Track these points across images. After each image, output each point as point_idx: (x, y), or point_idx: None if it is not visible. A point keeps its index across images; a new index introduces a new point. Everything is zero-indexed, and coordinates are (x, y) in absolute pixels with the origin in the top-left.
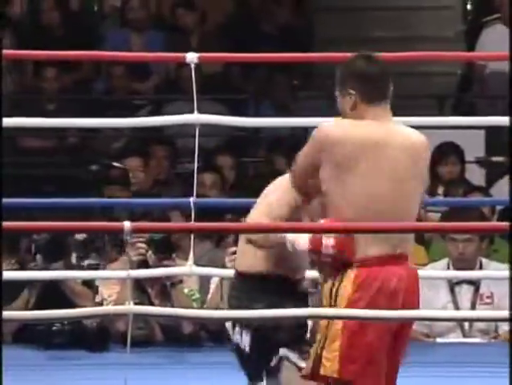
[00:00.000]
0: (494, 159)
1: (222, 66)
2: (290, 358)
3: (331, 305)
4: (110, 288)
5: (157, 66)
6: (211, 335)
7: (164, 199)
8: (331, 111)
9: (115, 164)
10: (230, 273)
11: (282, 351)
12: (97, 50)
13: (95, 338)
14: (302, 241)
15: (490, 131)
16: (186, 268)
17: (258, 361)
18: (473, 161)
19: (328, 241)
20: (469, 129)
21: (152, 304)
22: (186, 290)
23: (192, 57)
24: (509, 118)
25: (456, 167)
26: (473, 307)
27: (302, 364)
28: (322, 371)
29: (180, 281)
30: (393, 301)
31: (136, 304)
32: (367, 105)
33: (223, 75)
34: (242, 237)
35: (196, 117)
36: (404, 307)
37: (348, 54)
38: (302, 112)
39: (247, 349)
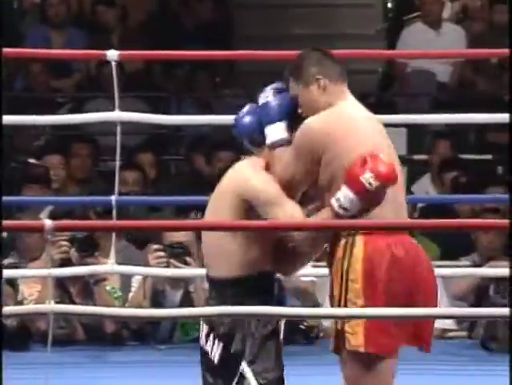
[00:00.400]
0: (416, 157)
1: (144, 64)
2: (246, 376)
3: (342, 279)
4: (31, 287)
5: (78, 64)
6: (133, 334)
7: (85, 197)
8: None
9: (33, 161)
10: (152, 271)
11: (242, 367)
12: (17, 48)
13: (16, 337)
14: (342, 195)
15: (412, 129)
16: (108, 266)
17: (223, 374)
18: None
19: (366, 175)
20: (390, 127)
21: (73, 302)
22: (108, 288)
23: (112, 54)
24: (510, 115)
25: None
26: None
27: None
28: (347, 346)
29: (103, 280)
30: (406, 270)
31: (57, 303)
32: (335, 84)
33: (145, 73)
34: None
35: (117, 115)
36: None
37: (271, 52)
38: (225, 110)
39: (216, 360)
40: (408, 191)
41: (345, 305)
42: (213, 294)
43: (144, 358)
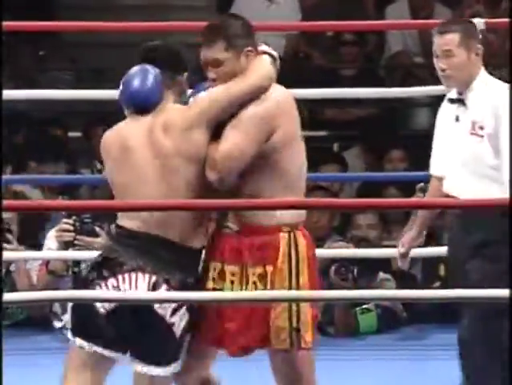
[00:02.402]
0: None
1: None
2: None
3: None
4: None
5: None
6: None
7: None
8: (79, 83)
9: None
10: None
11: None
12: None
13: None
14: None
15: None
16: None
17: (182, 344)
18: None
19: None
20: None
21: None
22: None
23: None
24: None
25: None
26: None
27: None
28: (303, 344)
29: None
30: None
31: None
32: (256, 56)
33: None
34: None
35: None
36: None
37: (98, 23)
38: (50, 85)
39: (178, 333)
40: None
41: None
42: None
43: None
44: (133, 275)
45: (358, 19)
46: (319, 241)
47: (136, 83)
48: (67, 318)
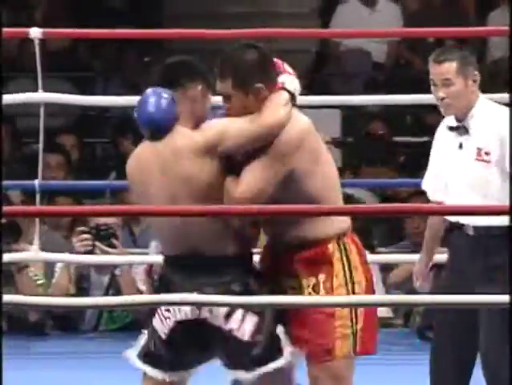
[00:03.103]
0: (350, 139)
1: (69, 43)
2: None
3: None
4: None
5: None
6: (57, 323)
7: (6, 181)
8: None
9: None
10: (76, 257)
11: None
12: None
13: None
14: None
15: (346, 110)
16: (32, 253)
17: (255, 347)
18: (328, 142)
19: None
20: (324, 108)
21: None
22: (31, 275)
23: (35, 32)
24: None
25: None
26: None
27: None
28: (358, 349)
29: (26, 266)
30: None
31: None
32: (270, 92)
33: (70, 52)
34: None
35: (40, 96)
36: None
37: (202, 31)
38: None
39: (246, 336)
40: (342, 175)
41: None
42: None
43: (69, 348)
44: None
45: (459, 25)
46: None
47: (149, 108)
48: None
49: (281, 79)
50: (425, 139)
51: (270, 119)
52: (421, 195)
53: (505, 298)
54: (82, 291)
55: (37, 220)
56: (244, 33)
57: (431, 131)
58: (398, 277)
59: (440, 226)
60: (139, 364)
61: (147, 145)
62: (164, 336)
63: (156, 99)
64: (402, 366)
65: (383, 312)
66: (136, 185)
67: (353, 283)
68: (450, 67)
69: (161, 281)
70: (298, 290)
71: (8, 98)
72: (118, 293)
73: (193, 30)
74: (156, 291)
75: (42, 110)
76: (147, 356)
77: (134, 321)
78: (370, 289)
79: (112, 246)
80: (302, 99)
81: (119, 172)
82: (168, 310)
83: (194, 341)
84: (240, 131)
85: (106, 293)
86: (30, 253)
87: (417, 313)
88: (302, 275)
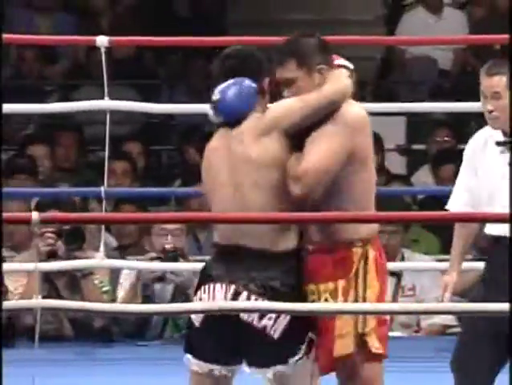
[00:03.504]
0: (415, 146)
1: (135, 51)
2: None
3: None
4: (16, 280)
5: (66, 51)
6: (123, 330)
7: (73, 188)
8: None
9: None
10: (142, 264)
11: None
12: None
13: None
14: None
15: (412, 117)
16: (97, 260)
17: (284, 345)
18: (394, 149)
19: None
20: (389, 116)
21: (60, 296)
22: (96, 282)
23: (102, 40)
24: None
25: (374, 156)
26: (394, 299)
27: None
28: (373, 350)
29: (91, 273)
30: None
31: (43, 297)
32: (328, 72)
33: (135, 59)
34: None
35: (107, 103)
36: None
37: (268, 38)
38: None
39: (277, 334)
40: (407, 182)
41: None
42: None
43: (134, 355)
44: (211, 285)
45: None
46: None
47: (231, 95)
48: None
49: (336, 62)
50: None
51: (333, 86)
52: None
53: (504, 306)
54: (146, 299)
55: (102, 227)
56: None
57: None
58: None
59: (472, 237)
60: (186, 356)
61: (218, 134)
62: (198, 325)
63: (238, 87)
64: None
65: (447, 319)
66: (207, 177)
67: (365, 288)
68: (500, 81)
69: (203, 269)
70: (316, 295)
71: (74, 105)
72: (186, 301)
73: (258, 38)
74: (199, 279)
75: (108, 117)
76: (189, 347)
77: None
78: (381, 298)
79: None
80: (367, 106)
81: (185, 180)
82: (200, 300)
83: (225, 334)
84: (304, 102)
85: (171, 302)
86: (95, 260)
87: None
88: (321, 279)
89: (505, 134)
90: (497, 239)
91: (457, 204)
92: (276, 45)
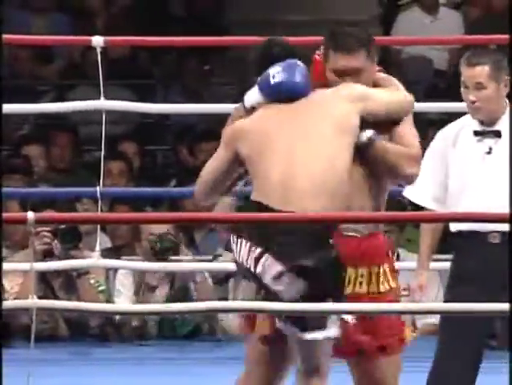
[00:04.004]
0: None
1: (130, 50)
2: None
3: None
4: (11, 280)
5: (61, 51)
6: (118, 330)
7: (69, 188)
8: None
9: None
10: (139, 265)
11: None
12: None
13: None
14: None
15: None
16: (93, 260)
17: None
18: None
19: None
20: None
21: (56, 296)
22: (92, 281)
23: (98, 40)
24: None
25: None
26: None
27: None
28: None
29: (87, 272)
30: None
31: (39, 297)
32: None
33: (130, 59)
34: None
35: (102, 103)
36: None
37: (263, 38)
38: (214, 99)
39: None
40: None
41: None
42: None
43: (130, 354)
44: (239, 240)
45: None
46: None
47: (299, 75)
48: None
49: None
50: None
51: (407, 97)
52: None
53: (505, 306)
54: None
55: (98, 227)
56: (307, 40)
57: None
58: None
59: (439, 235)
60: None
61: (270, 108)
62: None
63: (298, 69)
64: None
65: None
66: (255, 142)
67: (394, 278)
68: (483, 71)
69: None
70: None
71: (69, 105)
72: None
73: (252, 38)
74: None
75: (104, 117)
76: None
77: (195, 329)
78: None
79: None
80: None
81: (180, 180)
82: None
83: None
84: (393, 98)
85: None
86: (91, 259)
87: None
88: (358, 263)
89: (481, 123)
90: (467, 233)
91: (425, 198)
92: (339, 32)
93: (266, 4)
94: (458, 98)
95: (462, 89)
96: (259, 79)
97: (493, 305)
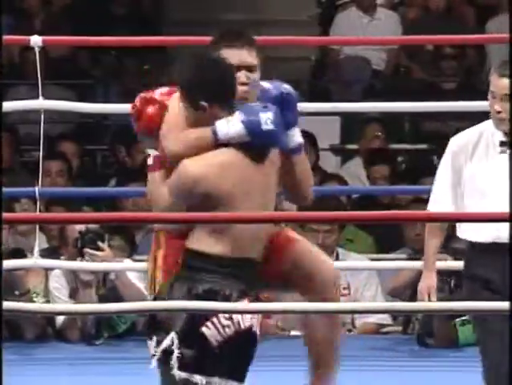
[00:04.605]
0: (349, 146)
1: (70, 50)
2: None
3: None
4: None
5: None
6: (57, 330)
7: (7, 188)
8: None
9: None
10: (74, 264)
11: None
12: None
13: None
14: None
15: (346, 117)
16: (31, 260)
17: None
18: (328, 148)
19: None
20: (324, 116)
21: None
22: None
23: (36, 40)
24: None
25: (309, 155)
26: None
27: None
28: None
29: (28, 291)
30: None
31: None
32: None
33: (70, 59)
34: None
35: (40, 103)
36: None
37: (204, 38)
38: None
39: (216, 343)
40: (343, 181)
41: None
42: None
43: (71, 354)
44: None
45: (458, 33)
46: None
47: (281, 126)
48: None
49: None
50: (423, 146)
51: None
52: (419, 202)
53: (505, 305)
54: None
55: (37, 227)
56: None
57: (428, 138)
58: (396, 284)
59: (443, 236)
60: (185, 375)
61: (234, 150)
62: (215, 343)
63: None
64: (401, 373)
65: (381, 319)
66: (232, 188)
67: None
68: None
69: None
70: None
71: (8, 105)
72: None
73: (191, 37)
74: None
75: (42, 117)
76: (197, 366)
77: (131, 328)
78: None
79: (100, 250)
80: (302, 106)
81: (119, 180)
82: (230, 319)
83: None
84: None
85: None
86: (30, 260)
87: (416, 320)
88: None
89: (505, 134)
90: (474, 245)
91: (441, 206)
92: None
93: (201, 3)
94: (395, 98)
95: (490, 98)
96: (245, 117)
97: (493, 305)
